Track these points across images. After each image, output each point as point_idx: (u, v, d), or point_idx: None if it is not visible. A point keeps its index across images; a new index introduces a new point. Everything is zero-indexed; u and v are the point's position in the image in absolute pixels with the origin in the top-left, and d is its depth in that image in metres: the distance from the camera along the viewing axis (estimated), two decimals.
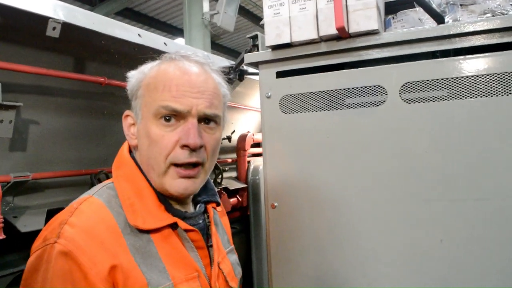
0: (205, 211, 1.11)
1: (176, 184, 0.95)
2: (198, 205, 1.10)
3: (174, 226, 0.97)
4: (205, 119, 0.97)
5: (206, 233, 1.08)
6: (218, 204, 1.16)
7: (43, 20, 1.51)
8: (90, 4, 8.41)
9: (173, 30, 10.09)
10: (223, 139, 2.93)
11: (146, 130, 0.96)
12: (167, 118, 0.93)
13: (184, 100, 0.93)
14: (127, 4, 8.41)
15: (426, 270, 1.38)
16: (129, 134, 1.03)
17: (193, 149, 0.93)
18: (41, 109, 1.75)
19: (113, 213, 0.92)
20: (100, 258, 0.83)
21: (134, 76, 1.02)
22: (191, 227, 0.99)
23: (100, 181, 1.92)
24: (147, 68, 1.01)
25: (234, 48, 11.48)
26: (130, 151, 1.05)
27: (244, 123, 3.37)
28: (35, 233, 0.90)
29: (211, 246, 1.07)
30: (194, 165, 0.95)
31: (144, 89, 0.98)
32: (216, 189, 1.18)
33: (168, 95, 0.93)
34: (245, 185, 3.05)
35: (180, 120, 0.94)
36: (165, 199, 1.00)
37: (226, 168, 3.15)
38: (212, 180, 1.25)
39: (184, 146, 0.92)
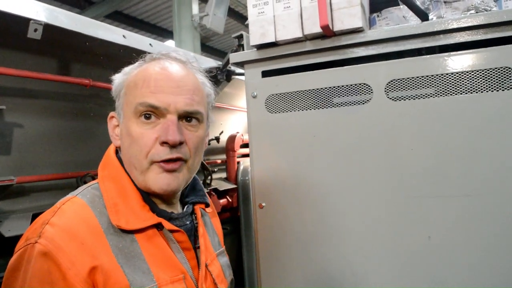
0: (194, 212, 1.10)
1: (159, 179, 0.94)
2: (186, 206, 1.09)
3: (159, 227, 0.97)
4: (186, 117, 0.97)
5: (194, 235, 1.07)
6: (207, 205, 1.15)
7: (24, 22, 1.49)
8: (79, 7, 8.38)
9: (163, 33, 10.08)
10: (211, 140, 2.91)
11: (127, 129, 0.96)
12: (147, 116, 0.94)
13: (161, 96, 0.93)
14: (116, 7, 8.40)
15: (414, 267, 1.38)
16: (113, 135, 1.04)
17: (172, 146, 0.92)
18: (25, 112, 1.73)
19: (96, 213, 0.91)
20: (79, 258, 0.82)
21: (118, 78, 1.03)
22: (176, 228, 0.98)
23: (86, 183, 1.90)
24: (129, 69, 1.03)
25: (224, 50, 11.48)
26: (117, 152, 1.06)
27: (232, 123, 3.36)
28: (20, 238, 0.89)
29: (199, 247, 1.06)
30: (176, 160, 0.95)
31: (126, 89, 1.00)
32: (206, 190, 1.18)
33: (146, 90, 0.94)
34: (235, 186, 3.03)
35: (159, 118, 0.94)
36: (150, 199, 0.99)
37: (215, 169, 3.13)
38: (201, 181, 1.24)
39: (163, 143, 0.92)
